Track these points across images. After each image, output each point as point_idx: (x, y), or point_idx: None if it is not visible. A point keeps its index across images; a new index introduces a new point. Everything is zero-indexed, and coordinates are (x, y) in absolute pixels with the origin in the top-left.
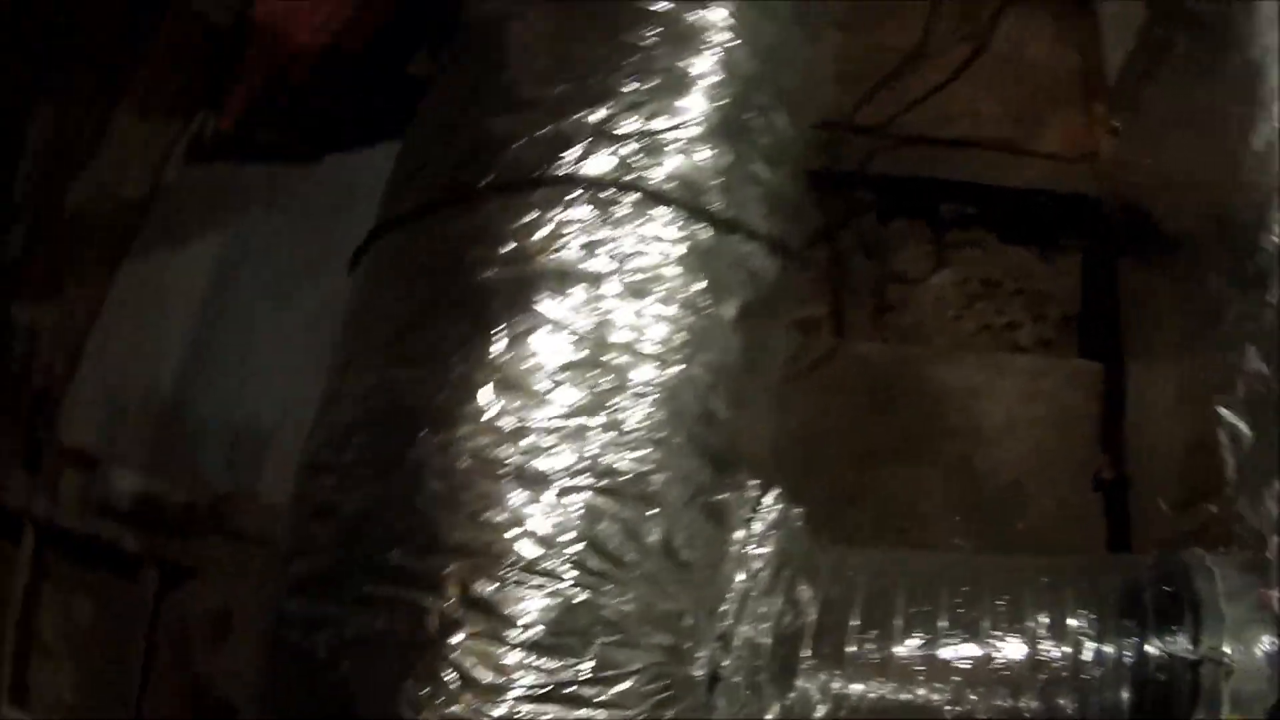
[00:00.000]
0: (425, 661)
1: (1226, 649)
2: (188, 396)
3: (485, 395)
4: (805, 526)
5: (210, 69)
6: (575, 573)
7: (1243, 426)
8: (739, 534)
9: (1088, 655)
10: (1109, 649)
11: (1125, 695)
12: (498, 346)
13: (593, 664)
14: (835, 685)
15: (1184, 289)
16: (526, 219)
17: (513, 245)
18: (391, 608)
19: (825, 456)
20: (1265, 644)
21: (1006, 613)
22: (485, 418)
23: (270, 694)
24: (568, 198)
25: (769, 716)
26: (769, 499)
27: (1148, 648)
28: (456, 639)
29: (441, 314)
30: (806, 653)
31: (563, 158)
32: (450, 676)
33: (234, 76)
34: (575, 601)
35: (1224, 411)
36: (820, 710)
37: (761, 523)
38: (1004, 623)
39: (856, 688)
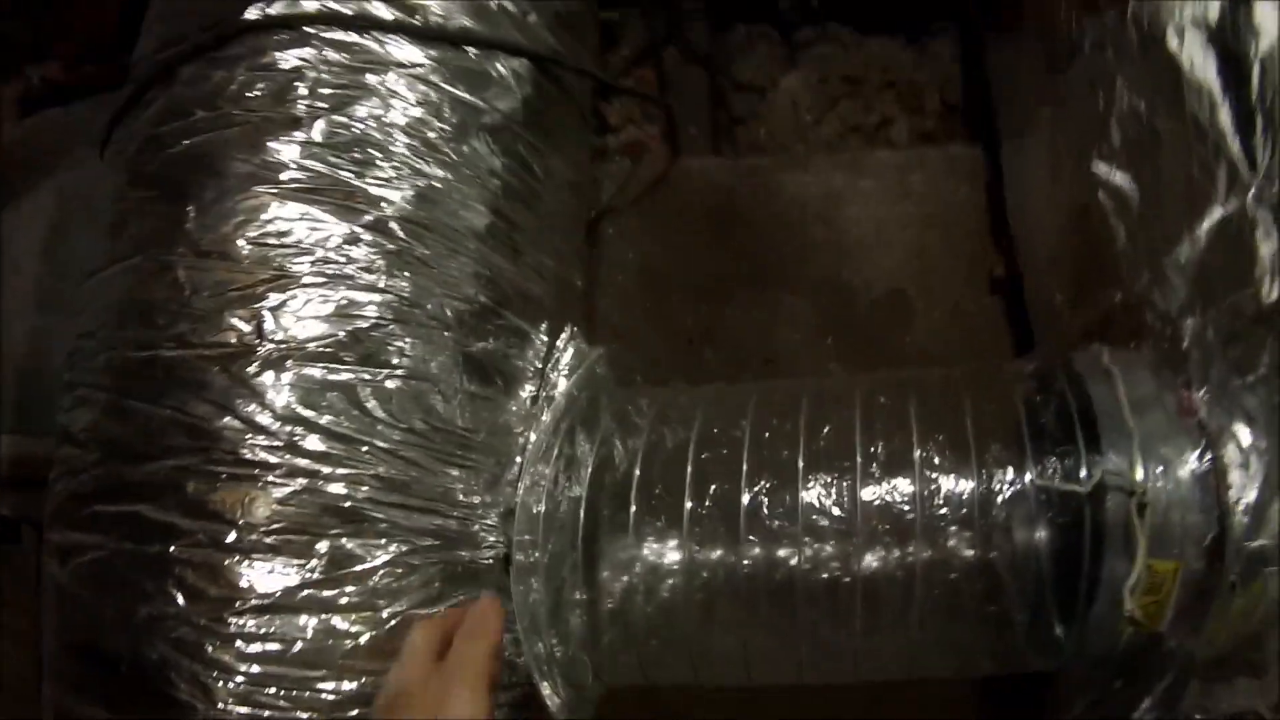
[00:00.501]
0: (150, 580)
1: (1139, 473)
2: (43, 351)
3: (182, 274)
4: (610, 370)
5: (33, 20)
6: (294, 459)
7: (1125, 183)
8: (526, 389)
9: (977, 494)
10: (1000, 485)
11: (1024, 540)
12: (193, 223)
13: (324, 562)
14: (650, 555)
15: (1040, 40)
16: (217, 77)
17: (209, 109)
18: (117, 524)
19: (670, 293)
20: (1191, 463)
21: (881, 447)
22: (180, 301)
23: (48, 631)
24: (264, 44)
25: (577, 594)
26: (561, 343)
27: (1039, 481)
28: (173, 550)
29: (145, 200)
30: (621, 517)
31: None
32: (177, 594)
33: (59, 22)
34: (293, 492)
35: (1101, 168)
36: (623, 585)
37: (555, 373)
38: (880, 460)
39: (673, 556)
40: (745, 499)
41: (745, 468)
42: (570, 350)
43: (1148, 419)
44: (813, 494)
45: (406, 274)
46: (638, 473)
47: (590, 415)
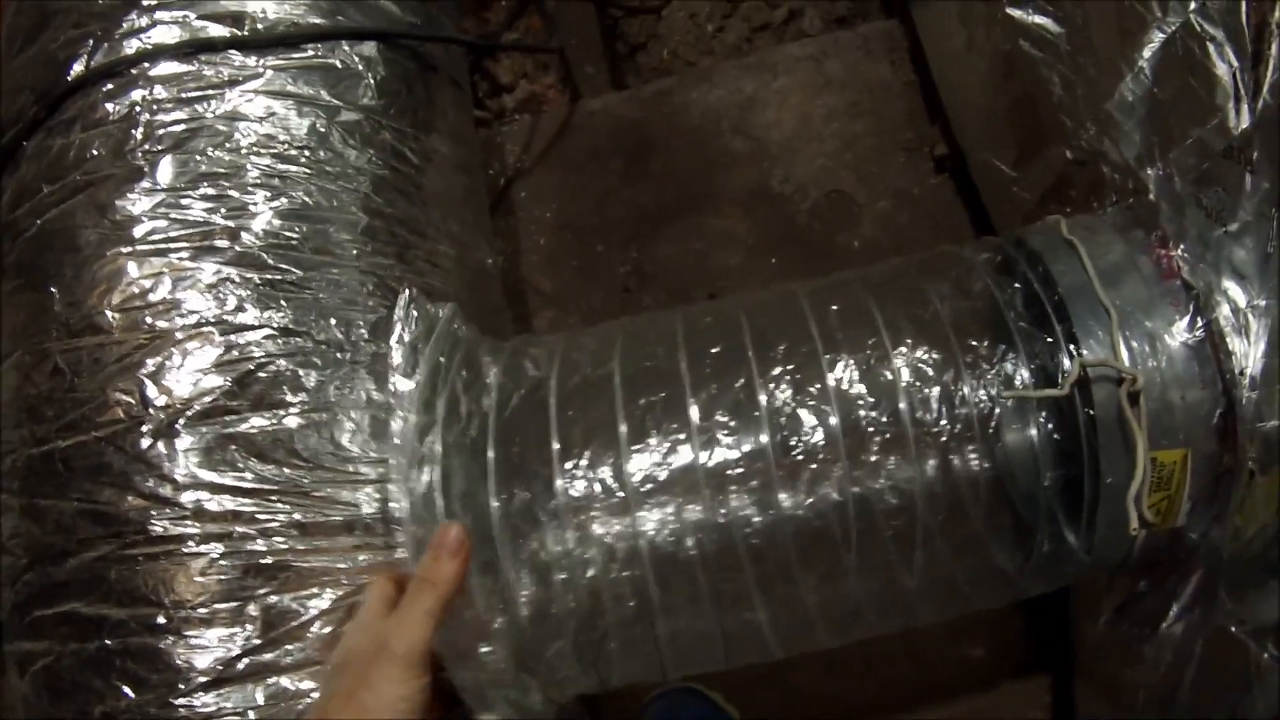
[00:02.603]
0: (96, 677)
1: (1123, 355)
2: None
3: (60, 361)
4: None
5: None
6: (205, 526)
7: (1046, 22)
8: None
9: (945, 402)
10: (972, 390)
11: (1018, 446)
12: (59, 304)
13: (259, 625)
14: (585, 529)
15: None
16: (56, 146)
17: (54, 182)
18: (57, 627)
19: (595, 243)
20: (1181, 333)
21: (851, 360)
22: (64, 389)
23: None
24: (94, 99)
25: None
26: (399, 311)
27: (1006, 392)
28: (110, 642)
29: (12, 291)
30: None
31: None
32: (121, 686)
33: None
34: (211, 559)
35: (1018, 13)
36: (558, 574)
37: (397, 349)
38: (853, 373)
39: (614, 524)
40: (696, 443)
41: (691, 403)
42: (412, 316)
43: (1124, 290)
44: (780, 423)
45: (283, 302)
46: (554, 426)
47: (470, 379)
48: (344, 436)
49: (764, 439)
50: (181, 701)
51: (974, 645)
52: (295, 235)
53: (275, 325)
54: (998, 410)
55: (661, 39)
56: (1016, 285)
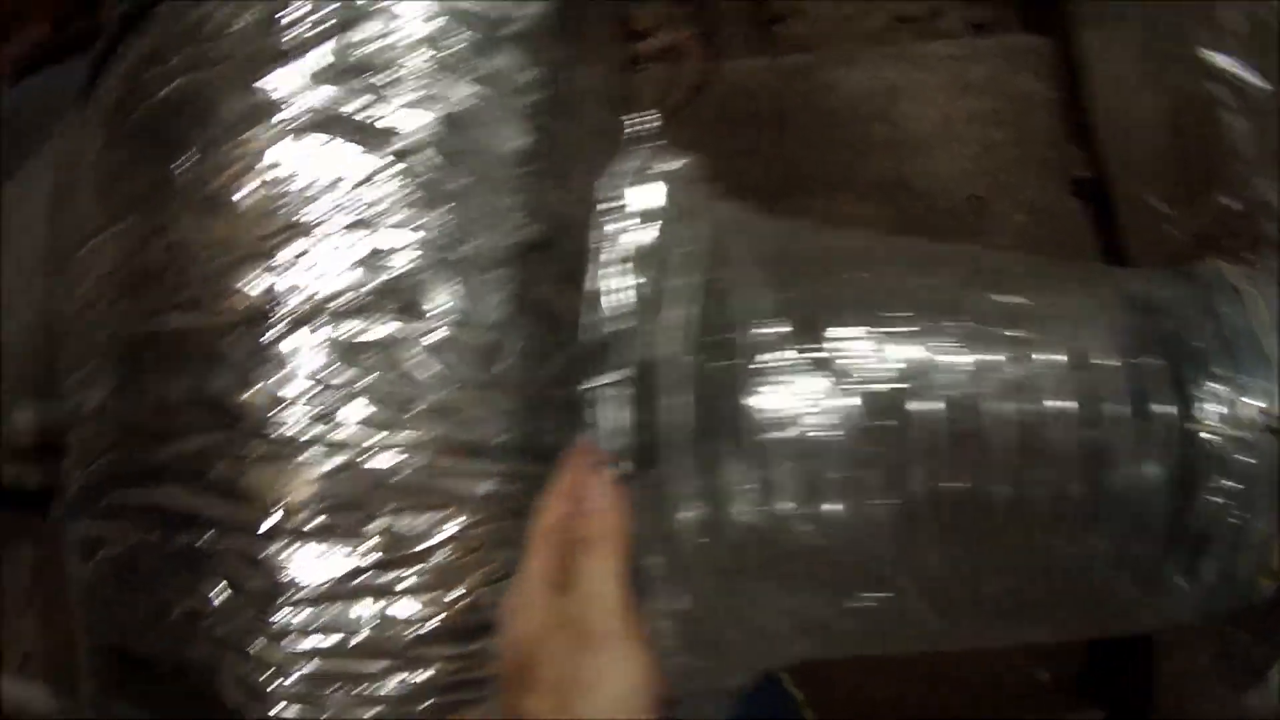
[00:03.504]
0: (181, 574)
1: None
2: (57, 314)
3: (181, 235)
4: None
5: None
6: (332, 432)
7: (1243, 72)
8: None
9: (1097, 421)
10: (1112, 411)
11: (1144, 477)
12: (184, 177)
13: (379, 543)
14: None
15: None
16: (195, 13)
17: (189, 48)
18: (140, 515)
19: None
20: None
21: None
22: (188, 260)
23: (79, 629)
24: None
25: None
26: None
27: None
28: (204, 540)
29: (130, 156)
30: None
31: None
32: (214, 589)
33: None
34: (336, 467)
35: (1212, 57)
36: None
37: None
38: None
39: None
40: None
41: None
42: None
43: None
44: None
45: (441, 210)
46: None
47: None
48: (489, 358)
49: None
50: (278, 615)
51: (1039, 664)
52: (455, 143)
53: (429, 232)
54: (1123, 433)
55: (805, 15)
56: (1178, 318)
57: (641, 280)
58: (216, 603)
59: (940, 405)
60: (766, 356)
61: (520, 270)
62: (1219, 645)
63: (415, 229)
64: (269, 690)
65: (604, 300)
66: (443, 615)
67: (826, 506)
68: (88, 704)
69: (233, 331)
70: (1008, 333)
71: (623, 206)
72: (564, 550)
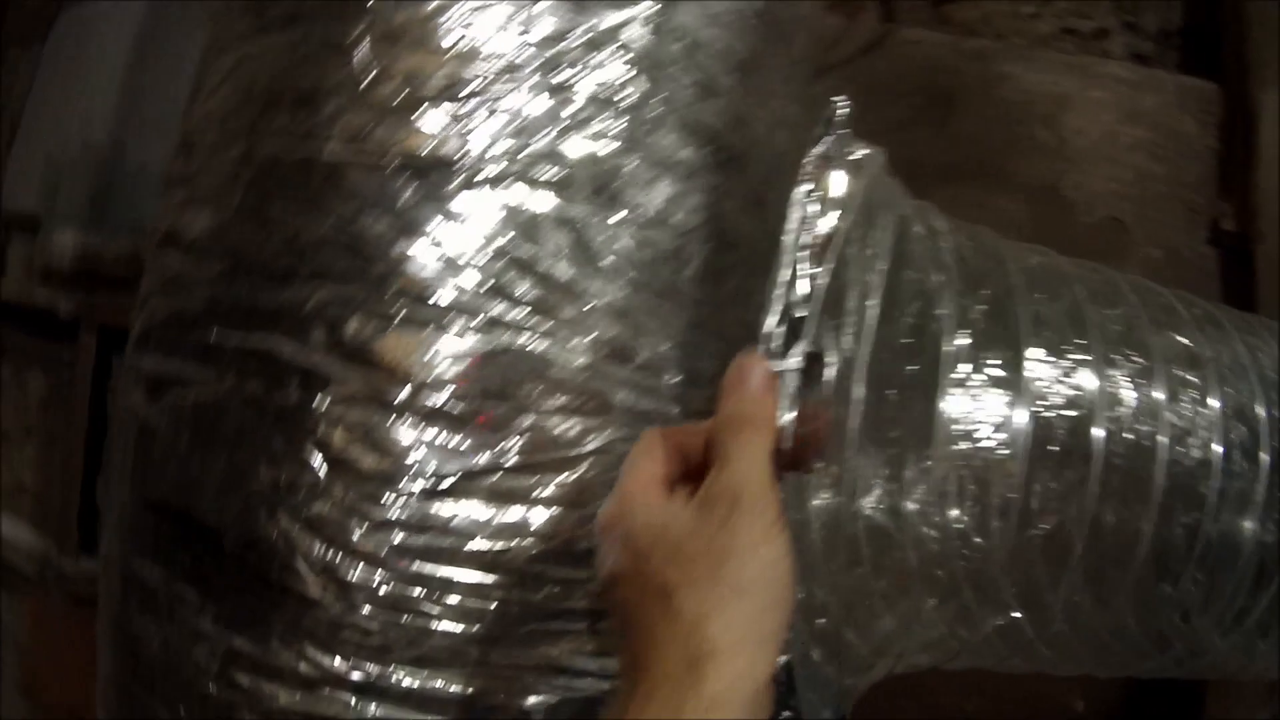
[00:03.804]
0: (282, 437)
1: None
2: (124, 141)
3: (362, 56)
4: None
5: None
6: (498, 307)
7: None
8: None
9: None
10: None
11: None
12: None
13: (524, 441)
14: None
15: None
16: None
17: None
18: (242, 360)
19: None
20: None
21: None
22: (363, 87)
23: (120, 475)
24: None
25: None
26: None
27: None
28: (321, 406)
29: None
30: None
31: None
32: (316, 460)
33: None
34: (495, 349)
35: None
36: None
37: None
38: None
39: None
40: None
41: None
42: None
43: None
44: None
45: (647, 90)
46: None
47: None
48: (673, 267)
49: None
50: (390, 503)
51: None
52: (666, 25)
53: (627, 118)
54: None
55: (978, 1)
56: None
57: (823, 269)
58: (316, 476)
59: (1117, 437)
60: (959, 366)
61: (715, 179)
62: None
63: (620, 111)
64: (359, 586)
65: (786, 285)
66: (569, 535)
67: (971, 519)
68: (111, 561)
69: (402, 175)
70: (1178, 373)
71: (810, 192)
72: (716, 429)
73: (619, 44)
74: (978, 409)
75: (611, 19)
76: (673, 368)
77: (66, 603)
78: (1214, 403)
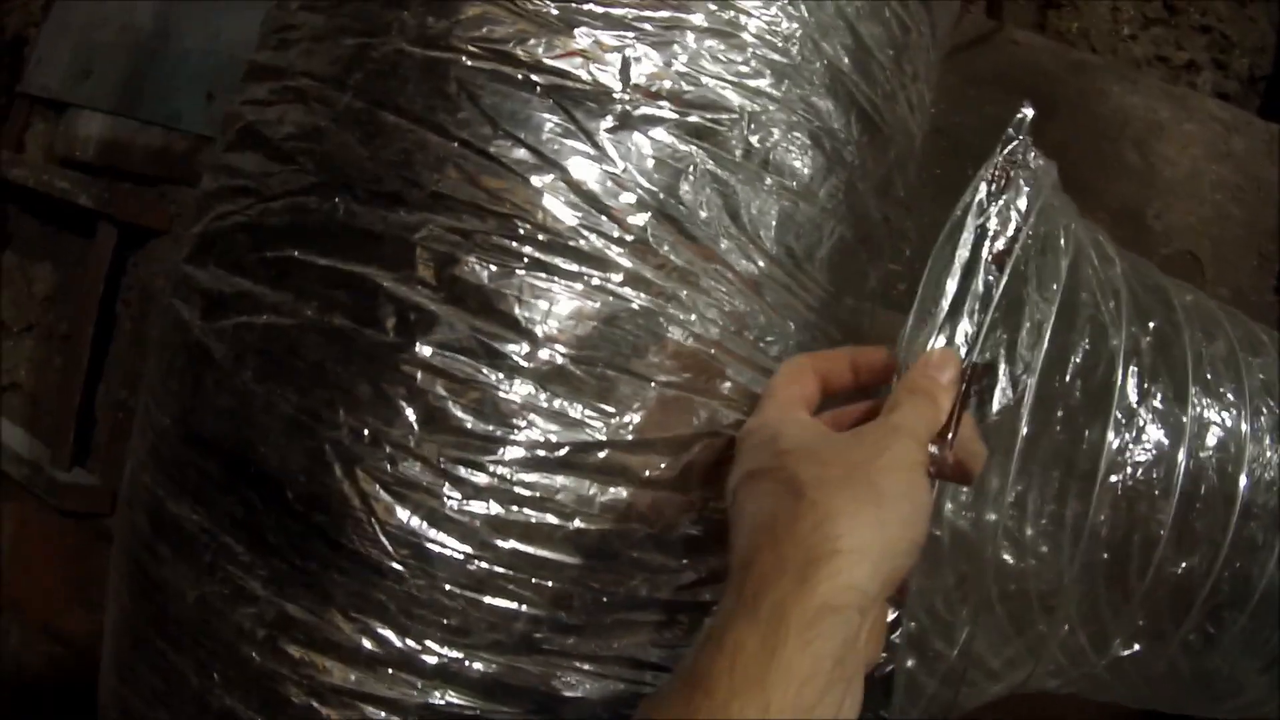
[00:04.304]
0: (370, 380)
1: None
2: (165, 28)
3: None
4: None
5: None
6: (636, 265)
7: None
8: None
9: None
10: None
11: None
12: None
13: (642, 416)
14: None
15: None
16: None
17: None
18: (328, 287)
19: (963, 162)
20: None
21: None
22: None
23: (153, 401)
24: None
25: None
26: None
27: None
28: (422, 350)
29: None
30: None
31: None
32: (409, 411)
33: None
34: (626, 310)
35: None
36: None
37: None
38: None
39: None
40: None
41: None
42: (1025, 156)
43: None
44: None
45: (821, 57)
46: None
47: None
48: (806, 246)
49: None
50: (488, 469)
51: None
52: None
53: (787, 82)
54: None
55: (1080, 12)
56: None
57: (1003, 279)
58: (408, 428)
59: (1259, 486)
60: (1128, 397)
61: (860, 156)
62: None
63: (783, 68)
64: (444, 559)
65: (956, 291)
66: (676, 519)
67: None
68: (139, 492)
69: (550, 98)
70: None
71: (992, 196)
72: (896, 389)
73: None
74: (1138, 443)
75: None
76: (791, 351)
77: (52, 513)
78: None
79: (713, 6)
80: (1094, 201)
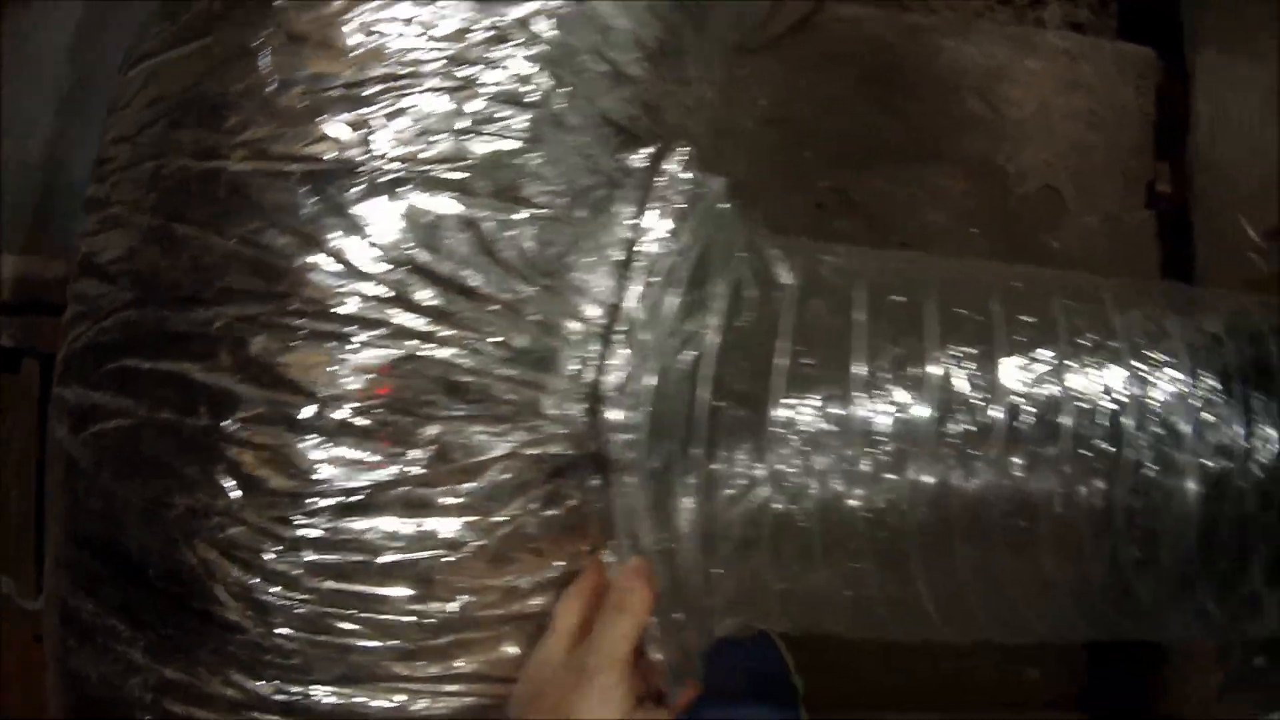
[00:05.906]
0: (194, 463)
1: None
2: (62, 161)
3: (267, 61)
4: (733, 205)
5: None
6: (401, 316)
7: None
8: (625, 222)
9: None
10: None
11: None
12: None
13: (431, 452)
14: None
15: None
16: None
17: None
18: (154, 387)
19: (804, 149)
20: None
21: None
22: (268, 93)
23: (52, 511)
24: None
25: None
26: (673, 165)
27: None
28: (231, 428)
29: None
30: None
31: None
32: (228, 483)
33: None
34: (399, 358)
35: None
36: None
37: (656, 208)
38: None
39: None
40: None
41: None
42: (681, 180)
43: None
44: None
45: (565, 87)
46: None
47: (716, 268)
48: (571, 256)
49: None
50: (300, 521)
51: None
52: (580, 14)
53: (546, 107)
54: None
55: None
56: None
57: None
58: (229, 499)
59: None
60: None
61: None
62: (1235, 668)
63: (525, 106)
64: (276, 607)
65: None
66: (482, 543)
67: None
68: (51, 597)
69: (305, 185)
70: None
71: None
72: (593, 607)
73: (525, 37)
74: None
75: (517, 11)
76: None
77: (29, 640)
78: (1181, 377)
79: (442, 75)
80: (947, 159)
